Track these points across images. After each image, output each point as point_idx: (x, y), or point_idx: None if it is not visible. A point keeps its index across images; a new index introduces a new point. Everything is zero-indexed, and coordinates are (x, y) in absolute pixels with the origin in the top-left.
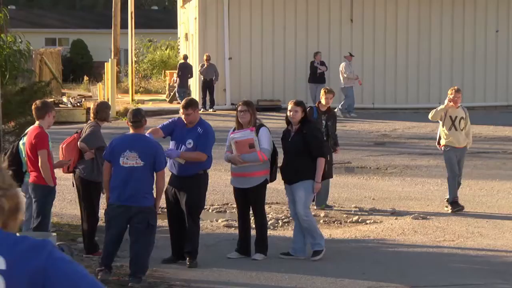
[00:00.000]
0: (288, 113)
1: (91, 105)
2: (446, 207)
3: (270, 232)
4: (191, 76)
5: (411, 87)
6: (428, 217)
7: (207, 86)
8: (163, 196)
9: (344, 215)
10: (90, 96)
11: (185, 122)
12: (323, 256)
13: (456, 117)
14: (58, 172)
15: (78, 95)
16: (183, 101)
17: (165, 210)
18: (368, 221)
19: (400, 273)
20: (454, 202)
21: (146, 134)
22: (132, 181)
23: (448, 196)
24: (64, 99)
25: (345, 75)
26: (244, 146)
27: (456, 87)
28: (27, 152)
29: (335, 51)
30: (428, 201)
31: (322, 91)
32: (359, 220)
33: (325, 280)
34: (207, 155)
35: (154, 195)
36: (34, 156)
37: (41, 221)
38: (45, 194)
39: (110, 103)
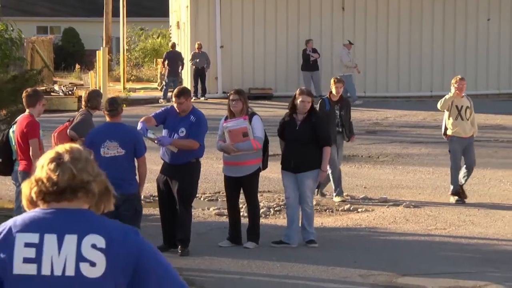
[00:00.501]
0: (299, 103)
1: (82, 93)
2: (456, 199)
3: (261, 221)
4: (182, 64)
5: (402, 75)
6: (419, 205)
7: (199, 74)
8: (155, 184)
9: (336, 204)
10: (82, 84)
11: (178, 111)
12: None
13: (462, 106)
14: None
15: (70, 83)
16: (176, 90)
17: (157, 198)
18: (359, 210)
19: (392, 261)
20: (456, 193)
21: (140, 123)
22: (115, 170)
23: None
24: (56, 87)
25: (344, 63)
26: (237, 135)
27: (459, 76)
28: (18, 140)
29: (327, 39)
30: (419, 190)
31: (332, 81)
32: (351, 208)
33: (316, 268)
34: (199, 143)
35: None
36: (25, 144)
37: None
38: None
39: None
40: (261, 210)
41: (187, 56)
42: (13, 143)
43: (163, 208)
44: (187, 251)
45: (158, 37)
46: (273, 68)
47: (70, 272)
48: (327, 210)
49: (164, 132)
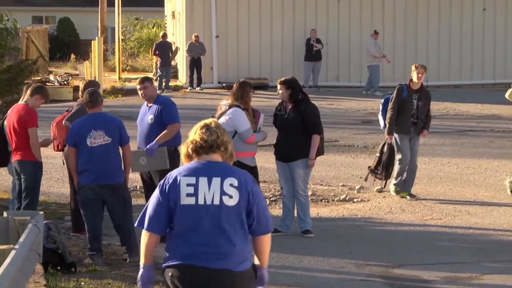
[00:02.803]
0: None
1: (78, 83)
2: None
3: None
4: (173, 53)
5: (397, 65)
6: (415, 195)
7: (195, 64)
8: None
9: (332, 194)
10: (77, 74)
11: (143, 98)
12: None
13: None
14: (44, 150)
15: (65, 73)
16: (139, 79)
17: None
18: (355, 200)
19: (388, 252)
20: None
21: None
22: (103, 159)
23: None
24: (51, 77)
25: (370, 53)
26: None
27: None
28: (14, 129)
29: (322, 30)
30: (415, 179)
31: (413, 67)
32: (347, 198)
33: (312, 258)
34: (178, 122)
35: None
36: (23, 132)
37: (32, 199)
38: (35, 169)
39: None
40: None
41: (182, 45)
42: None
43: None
44: None
45: (153, 27)
46: (268, 58)
47: (216, 202)
48: (323, 200)
49: (139, 126)
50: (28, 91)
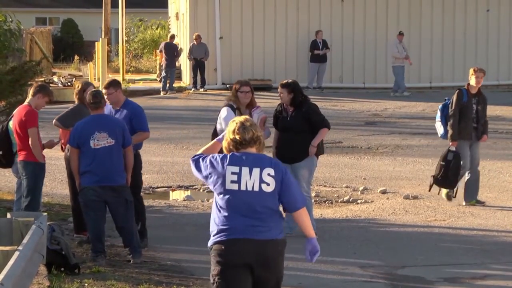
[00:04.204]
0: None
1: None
2: None
3: None
4: (177, 55)
5: None
6: (419, 196)
7: (198, 65)
8: (154, 176)
9: (335, 195)
10: (81, 76)
11: (108, 102)
12: None
13: None
14: (49, 151)
15: (69, 74)
16: (105, 82)
17: (156, 190)
18: (359, 201)
19: (391, 253)
20: None
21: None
22: (106, 161)
23: None
24: (55, 78)
25: (392, 55)
26: (262, 123)
27: None
28: (16, 130)
29: (326, 30)
30: (419, 181)
31: (471, 71)
32: (350, 199)
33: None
34: (148, 131)
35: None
36: (24, 133)
37: (31, 199)
38: (36, 170)
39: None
40: None
41: (186, 47)
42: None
43: None
44: (146, 242)
45: (157, 28)
46: (272, 60)
47: (256, 188)
48: (327, 202)
49: None
50: (30, 92)
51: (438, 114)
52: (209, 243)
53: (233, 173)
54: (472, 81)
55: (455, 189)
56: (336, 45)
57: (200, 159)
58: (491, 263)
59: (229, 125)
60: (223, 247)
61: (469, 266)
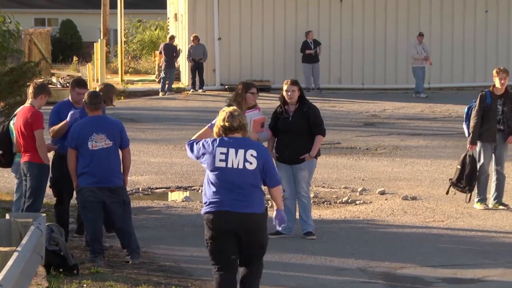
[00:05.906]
0: (285, 94)
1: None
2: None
3: None
4: (176, 56)
5: (400, 67)
6: (417, 197)
7: (196, 66)
8: (153, 177)
9: (334, 196)
10: (80, 77)
11: (72, 100)
12: None
13: None
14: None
15: (68, 75)
16: (74, 81)
17: (155, 191)
18: (357, 202)
19: (390, 253)
20: None
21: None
22: (104, 163)
23: None
24: (54, 79)
25: (411, 55)
26: (258, 124)
27: None
28: (21, 132)
29: (325, 31)
30: (417, 182)
31: (494, 72)
32: (349, 200)
33: (314, 260)
34: None
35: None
36: (29, 135)
37: (34, 200)
38: (41, 172)
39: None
40: None
41: (185, 47)
42: (14, 136)
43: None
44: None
45: (156, 29)
46: (271, 60)
47: (241, 166)
48: (325, 203)
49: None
50: (31, 93)
51: (464, 117)
52: (202, 212)
53: (221, 153)
54: (497, 83)
55: (468, 194)
56: (334, 46)
57: (194, 143)
58: (490, 263)
59: (219, 114)
60: (211, 216)
61: (467, 266)
